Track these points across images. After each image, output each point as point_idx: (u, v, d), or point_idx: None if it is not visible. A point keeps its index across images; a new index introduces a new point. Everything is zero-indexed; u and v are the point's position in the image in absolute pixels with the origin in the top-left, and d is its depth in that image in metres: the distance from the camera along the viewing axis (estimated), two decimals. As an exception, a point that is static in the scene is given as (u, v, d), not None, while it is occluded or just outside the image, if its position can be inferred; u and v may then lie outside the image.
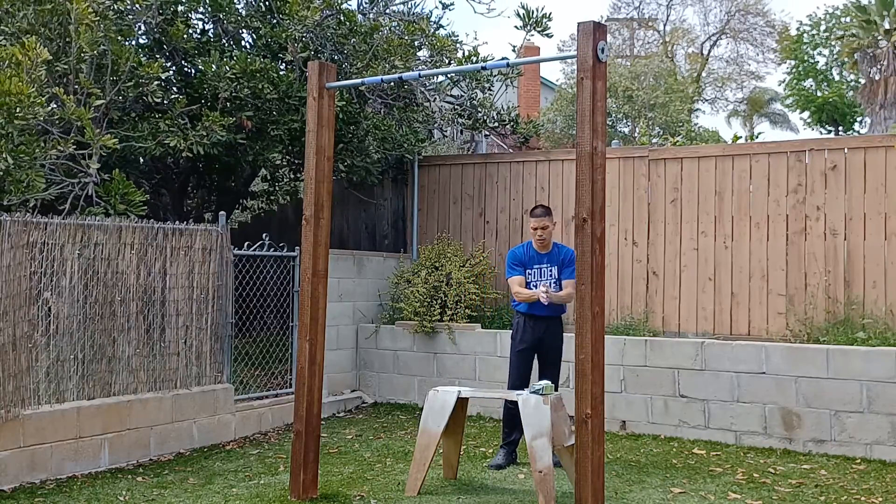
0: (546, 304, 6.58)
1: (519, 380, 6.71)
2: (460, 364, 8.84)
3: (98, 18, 6.87)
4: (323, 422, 6.98)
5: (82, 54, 6.90)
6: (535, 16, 9.21)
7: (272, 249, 8.13)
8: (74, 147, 6.83)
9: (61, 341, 6.46)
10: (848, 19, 27.93)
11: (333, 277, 8.16)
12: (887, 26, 23.84)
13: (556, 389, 6.42)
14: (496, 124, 10.65)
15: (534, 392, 5.80)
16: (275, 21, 8.72)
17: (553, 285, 6.73)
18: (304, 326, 5.75)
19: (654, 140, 17.32)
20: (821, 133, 30.40)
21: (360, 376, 9.43)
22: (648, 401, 7.92)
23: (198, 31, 9.08)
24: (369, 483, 6.24)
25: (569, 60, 19.70)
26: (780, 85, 33.73)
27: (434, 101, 9.99)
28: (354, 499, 5.83)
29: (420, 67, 9.21)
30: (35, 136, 6.69)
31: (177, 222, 7.43)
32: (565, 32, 51.50)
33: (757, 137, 13.77)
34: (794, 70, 32.12)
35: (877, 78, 23.77)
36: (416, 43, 9.29)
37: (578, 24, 4.83)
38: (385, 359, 9.30)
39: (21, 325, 6.16)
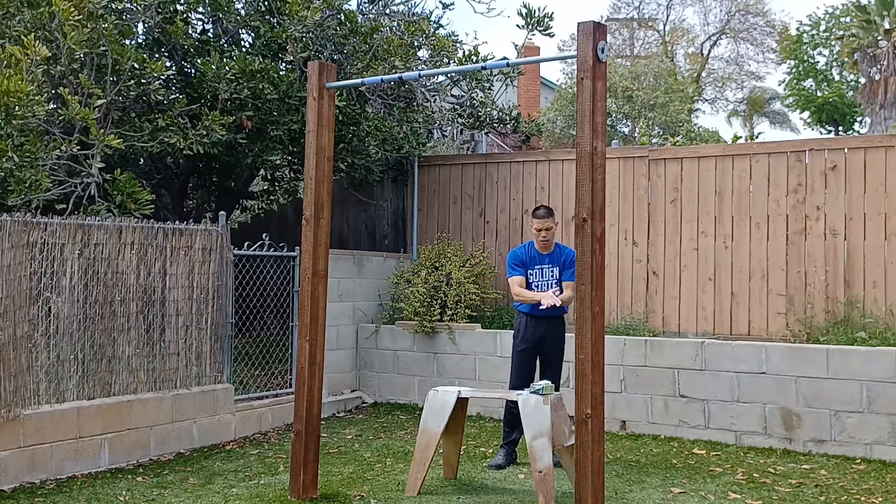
0: (546, 307, 6.57)
1: (520, 380, 6.70)
2: (460, 364, 8.84)
3: (82, 17, 6.85)
4: (323, 422, 6.98)
5: (73, 55, 6.90)
6: (536, 15, 9.21)
7: (272, 249, 8.14)
8: (78, 147, 6.83)
9: (61, 341, 6.46)
10: (848, 19, 27.93)
11: (333, 277, 8.16)
12: (887, 26, 23.84)
13: (557, 389, 6.43)
14: (496, 124, 10.65)
15: (534, 392, 5.80)
16: (275, 21, 8.72)
17: (555, 285, 6.73)
18: (304, 326, 5.75)
19: (654, 140, 17.32)
20: (821, 133, 30.39)
21: (360, 376, 9.44)
22: (648, 401, 7.92)
23: (197, 30, 9.08)
24: (369, 483, 6.24)
25: (569, 60, 19.70)
26: (780, 85, 33.77)
27: (434, 101, 9.99)
28: (354, 499, 5.83)
29: (420, 67, 9.20)
30: (37, 135, 6.69)
31: (177, 222, 7.43)
32: (565, 32, 51.50)
33: (757, 137, 13.76)
34: (794, 70, 32.11)
35: (877, 78, 23.76)
36: (416, 43, 9.28)
37: (578, 24, 4.83)
38: (385, 359, 9.30)
39: (21, 324, 6.16)
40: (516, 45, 10.72)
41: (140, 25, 8.33)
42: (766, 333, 8.21)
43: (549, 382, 5.97)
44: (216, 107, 8.03)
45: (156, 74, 7.35)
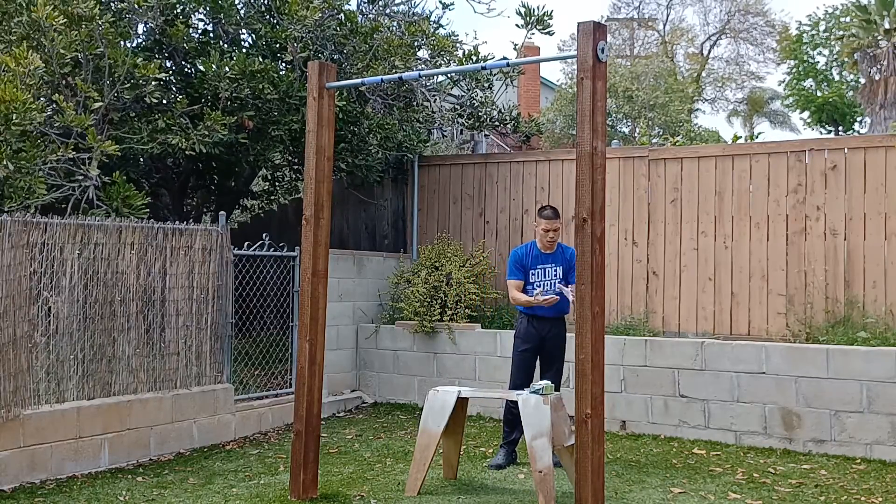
0: (548, 303, 6.57)
1: (521, 380, 6.69)
2: (460, 364, 8.84)
3: (67, 21, 6.85)
4: (323, 422, 6.98)
5: (63, 59, 6.89)
6: (535, 14, 9.21)
7: (272, 249, 8.14)
8: (74, 151, 6.83)
9: (61, 341, 6.46)
10: (848, 19, 27.91)
11: (333, 277, 8.16)
12: (887, 26, 23.82)
13: (557, 389, 6.43)
14: (496, 124, 10.65)
15: (534, 392, 5.80)
16: (275, 21, 8.72)
17: (558, 285, 6.71)
18: (304, 326, 5.75)
19: (654, 140, 17.31)
20: (821, 133, 30.38)
21: (360, 376, 9.44)
22: (648, 401, 7.92)
23: (198, 31, 9.08)
24: (369, 483, 6.24)
25: (569, 60, 19.70)
26: (780, 85, 33.76)
27: (434, 101, 9.99)
28: (354, 499, 5.83)
29: (420, 67, 9.20)
30: (35, 140, 6.69)
31: (177, 222, 7.43)
32: (565, 32, 51.49)
33: (757, 137, 13.75)
34: (794, 70, 32.10)
35: (877, 78, 23.75)
36: (416, 43, 9.28)
37: (578, 24, 4.83)
38: (385, 359, 9.30)
39: (21, 325, 6.16)
40: (515, 45, 10.71)
41: (141, 27, 8.33)
42: (766, 333, 8.21)
43: (549, 382, 5.98)
44: (217, 107, 8.03)
45: (150, 76, 7.33)
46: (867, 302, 7.85)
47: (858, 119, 29.90)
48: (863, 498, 5.91)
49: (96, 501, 5.77)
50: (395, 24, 9.42)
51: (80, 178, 6.95)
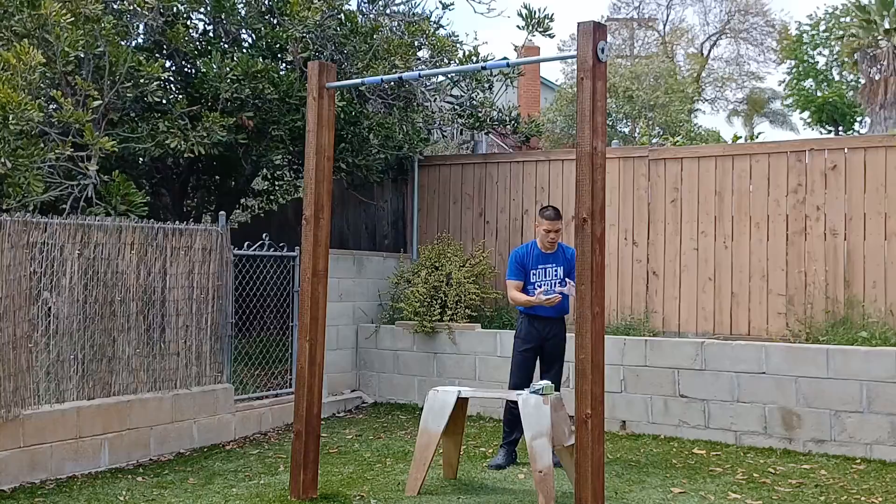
0: (550, 303, 6.58)
1: (521, 380, 6.69)
2: (460, 364, 8.84)
3: (73, 19, 6.85)
4: (323, 422, 6.98)
5: (68, 57, 6.90)
6: (536, 16, 9.21)
7: (272, 249, 8.14)
8: (73, 149, 6.82)
9: (61, 341, 6.46)
10: (848, 19, 27.91)
11: (333, 277, 8.16)
12: (887, 26, 23.81)
13: (557, 390, 6.43)
14: (496, 124, 10.65)
15: (534, 392, 5.80)
16: (275, 22, 8.72)
17: (559, 285, 6.70)
18: (304, 326, 5.75)
19: (654, 140, 17.31)
20: (821, 133, 30.37)
21: (360, 376, 9.43)
22: (648, 401, 7.92)
23: (198, 31, 9.08)
24: (369, 483, 6.24)
25: (569, 60, 19.69)
26: (780, 85, 33.75)
27: (434, 101, 9.99)
28: (354, 499, 5.83)
29: (420, 67, 9.20)
30: (33, 138, 6.69)
31: (177, 222, 7.43)
32: (565, 32, 51.49)
33: (757, 137, 13.77)
34: (794, 70, 32.10)
35: (877, 78, 23.74)
36: (416, 43, 9.28)
37: (578, 24, 4.83)
38: (385, 359, 9.30)
39: (21, 325, 6.16)
40: (516, 46, 10.71)
41: (141, 27, 8.33)
42: (766, 333, 8.21)
43: (549, 382, 5.98)
44: (217, 107, 8.03)
45: (153, 76, 7.33)
46: (867, 302, 7.85)
47: (858, 119, 29.88)
48: (863, 498, 5.91)
49: (96, 501, 5.77)
50: (395, 24, 9.42)
51: (80, 176, 6.95)
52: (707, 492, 6.03)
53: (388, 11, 9.57)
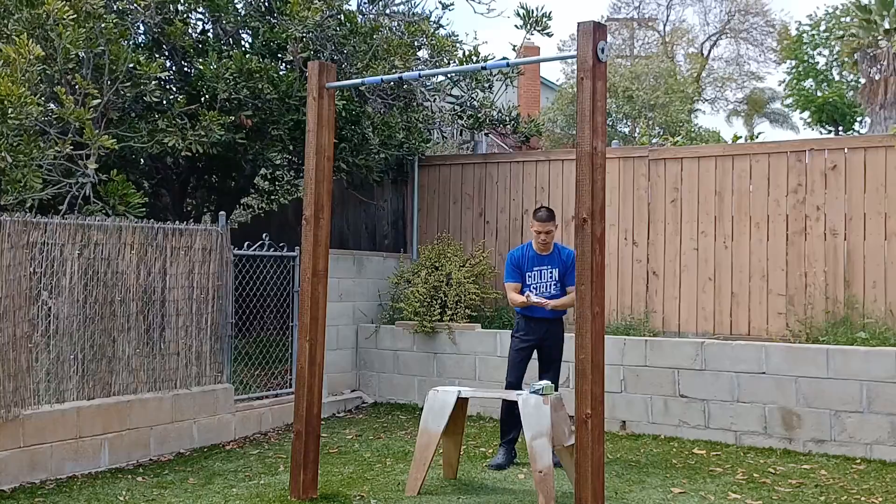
0: (540, 305, 6.60)
1: (514, 378, 6.73)
2: (460, 364, 8.84)
3: (76, 17, 6.85)
4: (323, 422, 6.98)
5: (69, 54, 6.90)
6: (534, 15, 9.21)
7: (272, 249, 8.13)
8: (72, 147, 6.82)
9: (61, 341, 6.46)
10: (848, 19, 27.90)
11: (333, 277, 8.16)
12: (887, 26, 23.80)
13: (556, 389, 6.42)
14: (496, 124, 10.65)
15: (534, 392, 5.80)
16: (274, 21, 8.72)
17: (554, 287, 6.73)
18: (304, 326, 5.75)
19: (654, 140, 17.31)
20: (821, 133, 30.37)
21: (360, 376, 9.43)
22: (648, 401, 7.91)
23: (197, 30, 9.07)
24: (369, 483, 6.24)
25: (569, 60, 19.69)
26: (780, 85, 33.74)
27: (434, 101, 9.98)
28: (354, 499, 5.83)
29: (420, 67, 9.20)
30: (33, 135, 6.68)
31: (177, 222, 7.43)
32: (565, 32, 51.49)
33: (757, 137, 13.75)
34: (794, 70, 32.09)
35: (877, 78, 23.72)
36: (416, 43, 9.28)
37: (578, 24, 4.83)
38: (385, 359, 9.30)
39: (21, 325, 6.16)
40: (514, 46, 10.71)
41: (140, 26, 8.32)
42: (766, 333, 8.21)
43: (549, 382, 5.97)
44: (215, 107, 8.03)
45: (151, 75, 7.33)
46: (867, 302, 7.85)
47: (858, 119, 29.87)
48: (863, 498, 5.91)
49: (96, 501, 5.77)
50: (394, 24, 9.42)
51: (79, 174, 6.95)
52: (707, 492, 6.03)
53: (387, 11, 9.57)
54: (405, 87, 9.54)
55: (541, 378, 6.71)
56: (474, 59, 9.36)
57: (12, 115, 6.27)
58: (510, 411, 6.59)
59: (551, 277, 6.74)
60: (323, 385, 5.95)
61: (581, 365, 4.82)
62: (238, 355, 8.50)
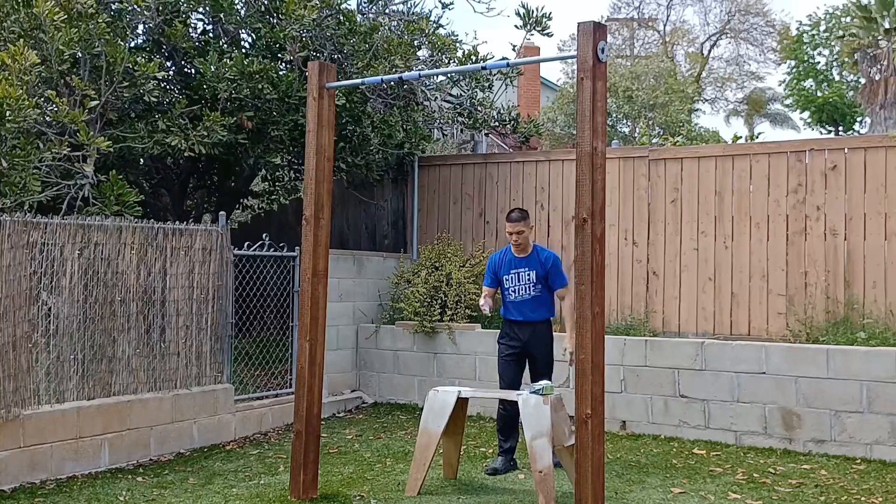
0: (489, 313, 6.52)
1: (508, 387, 6.55)
2: (460, 364, 8.84)
3: (67, 17, 6.84)
4: (323, 422, 6.98)
5: (63, 56, 6.89)
6: (534, 15, 9.21)
7: (272, 249, 8.13)
8: (69, 149, 6.82)
9: (61, 341, 6.46)
10: (848, 19, 27.89)
11: (333, 277, 8.16)
12: (887, 26, 23.80)
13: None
14: (496, 124, 10.65)
15: (534, 392, 5.79)
16: (274, 21, 8.72)
17: (533, 289, 6.54)
18: (304, 326, 5.75)
19: (654, 140, 17.32)
20: (821, 133, 30.37)
21: (360, 376, 9.43)
22: (648, 401, 7.91)
23: (197, 31, 9.07)
24: (369, 483, 6.24)
25: (569, 60, 19.69)
26: (780, 85, 33.73)
27: (434, 100, 9.98)
28: (354, 499, 5.83)
29: (420, 67, 9.20)
30: (31, 137, 6.68)
31: (177, 222, 7.43)
32: (565, 32, 51.51)
33: (757, 137, 13.77)
34: (794, 70, 32.09)
35: (877, 78, 23.71)
36: (415, 42, 9.28)
37: (578, 24, 4.83)
38: (385, 359, 9.30)
39: (21, 325, 6.16)
40: (514, 46, 10.72)
41: (140, 26, 8.32)
42: (766, 333, 8.21)
43: (549, 382, 5.97)
44: (216, 107, 8.03)
45: (150, 75, 7.32)
46: (867, 302, 7.85)
47: (858, 119, 29.87)
48: (863, 498, 5.91)
49: (96, 501, 5.77)
50: (394, 23, 9.42)
51: (78, 175, 6.95)
52: (707, 492, 6.03)
53: (387, 11, 9.57)
54: (405, 86, 9.54)
55: (534, 379, 6.60)
56: (474, 58, 9.36)
57: (10, 119, 6.27)
58: (506, 420, 6.51)
59: (529, 280, 6.55)
60: (323, 385, 5.95)
61: (581, 365, 4.82)
62: (238, 355, 8.50)
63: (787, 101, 32.91)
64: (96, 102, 7.03)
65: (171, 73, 8.46)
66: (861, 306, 7.85)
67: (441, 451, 6.29)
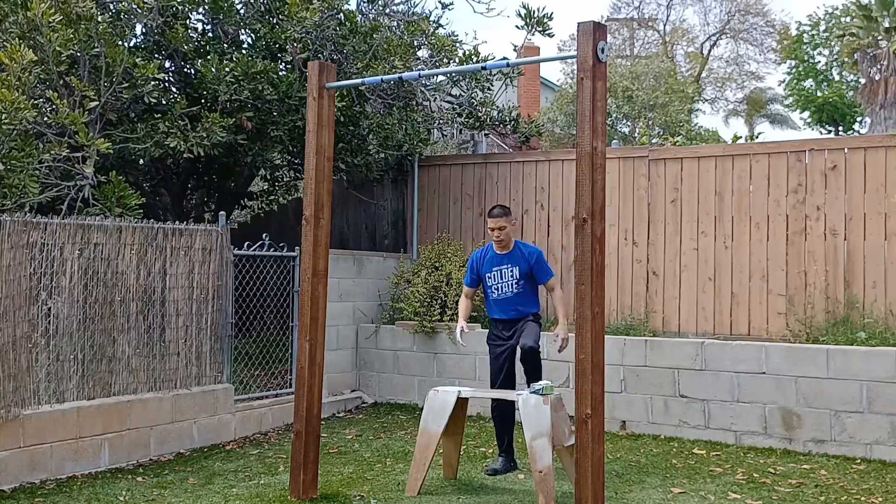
0: (463, 343, 6.40)
1: (503, 387, 6.50)
2: (460, 364, 8.84)
3: (64, 19, 6.84)
4: (323, 422, 6.98)
5: (60, 57, 6.89)
6: (535, 15, 9.21)
7: (272, 249, 8.13)
8: (69, 150, 6.82)
9: (61, 341, 6.46)
10: (848, 19, 27.90)
11: (333, 277, 8.16)
12: (887, 26, 23.80)
13: (537, 342, 6.16)
14: (496, 124, 10.65)
15: (534, 392, 5.79)
16: (274, 22, 8.72)
17: (515, 285, 6.39)
18: (304, 326, 5.75)
19: (654, 140, 17.31)
20: (821, 133, 30.37)
21: (360, 376, 9.43)
22: (648, 401, 7.91)
23: (198, 32, 9.07)
24: (369, 483, 6.24)
25: (569, 60, 19.69)
26: (780, 85, 33.74)
27: (434, 100, 9.98)
28: (354, 499, 5.83)
29: (420, 67, 9.20)
30: (29, 139, 6.68)
31: (176, 222, 7.43)
32: (565, 32, 51.51)
33: (757, 137, 13.76)
34: (794, 70, 32.09)
35: (877, 78, 23.71)
36: (415, 43, 9.28)
37: (578, 24, 4.83)
38: (385, 359, 9.30)
39: (21, 325, 6.16)
40: (515, 46, 10.71)
41: (140, 27, 8.32)
42: (766, 333, 8.21)
43: (549, 382, 5.95)
44: (216, 108, 8.03)
45: (149, 76, 7.31)
46: (867, 302, 7.85)
47: (858, 119, 29.87)
48: (863, 498, 5.91)
49: (96, 501, 5.77)
50: (394, 23, 9.42)
51: (78, 176, 6.95)
52: (707, 492, 6.03)
53: (387, 11, 9.57)
54: (405, 86, 9.54)
55: (528, 383, 6.48)
56: (474, 58, 9.36)
57: (6, 121, 6.27)
58: (497, 419, 6.44)
59: (512, 276, 6.40)
60: (323, 385, 5.95)
61: (581, 365, 4.82)
62: (238, 355, 8.50)
63: (787, 101, 32.91)
64: (96, 103, 7.03)
65: (170, 73, 8.46)
66: (861, 306, 7.85)
67: (441, 451, 6.29)
